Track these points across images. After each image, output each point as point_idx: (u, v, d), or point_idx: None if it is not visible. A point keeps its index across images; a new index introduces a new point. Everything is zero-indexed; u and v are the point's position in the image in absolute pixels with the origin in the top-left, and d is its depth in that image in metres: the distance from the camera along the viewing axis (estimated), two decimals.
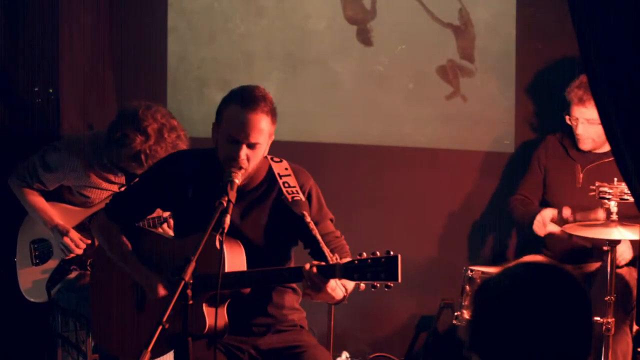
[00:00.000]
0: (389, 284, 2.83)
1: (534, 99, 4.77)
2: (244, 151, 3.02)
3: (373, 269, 2.81)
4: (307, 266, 2.87)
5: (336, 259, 2.89)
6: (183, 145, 3.93)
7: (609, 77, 2.38)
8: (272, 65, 4.97)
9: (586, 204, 4.08)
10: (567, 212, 4.15)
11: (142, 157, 3.90)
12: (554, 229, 4.20)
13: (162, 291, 3.08)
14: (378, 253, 2.84)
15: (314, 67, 4.94)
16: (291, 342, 3.18)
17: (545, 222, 4.20)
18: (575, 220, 4.09)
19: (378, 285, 2.84)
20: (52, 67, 4.53)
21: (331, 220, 3.19)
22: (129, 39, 4.88)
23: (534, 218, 4.23)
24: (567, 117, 4.31)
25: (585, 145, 4.31)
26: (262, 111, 3.03)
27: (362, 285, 2.87)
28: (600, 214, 4.00)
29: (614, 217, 3.84)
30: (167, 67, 5.03)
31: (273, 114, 3.08)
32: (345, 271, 2.84)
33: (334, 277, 2.85)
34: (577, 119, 4.26)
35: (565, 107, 4.33)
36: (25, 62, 4.50)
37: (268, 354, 3.17)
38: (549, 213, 4.22)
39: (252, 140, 3.02)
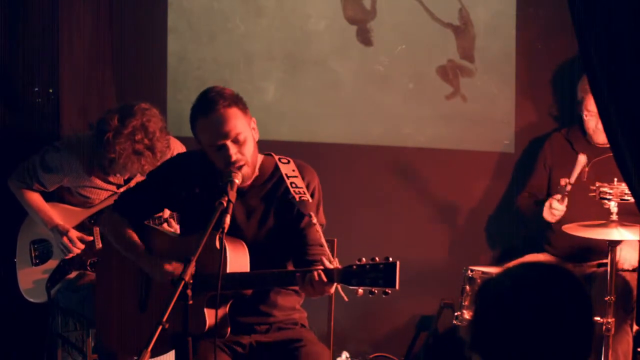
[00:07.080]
0: (386, 290, 2.83)
1: (534, 99, 4.76)
2: (233, 149, 3.01)
3: (371, 275, 2.82)
4: (316, 274, 2.86)
5: (335, 263, 2.89)
6: (144, 161, 3.79)
7: (609, 76, 2.38)
8: (272, 65, 4.96)
9: (591, 197, 4.02)
10: (564, 181, 4.10)
11: (104, 140, 3.79)
12: (558, 206, 4.14)
13: (169, 268, 3.05)
14: (377, 259, 2.84)
15: (314, 67, 4.93)
16: (291, 336, 3.19)
17: (551, 203, 4.15)
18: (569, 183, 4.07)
19: (376, 291, 2.83)
20: (52, 67, 4.52)
21: (322, 226, 3.19)
22: (129, 39, 4.88)
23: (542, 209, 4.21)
24: (584, 111, 4.22)
25: (601, 137, 4.22)
26: (223, 107, 3.01)
27: (360, 290, 2.86)
28: (582, 159, 4.03)
29: (614, 217, 3.84)
30: (167, 67, 5.02)
31: (237, 104, 3.04)
32: (344, 277, 2.85)
33: (332, 282, 2.87)
34: (593, 112, 4.16)
35: (566, 105, 4.32)
36: (25, 62, 4.50)
37: (268, 346, 3.17)
38: (553, 199, 4.18)
39: (232, 135, 3.00)
